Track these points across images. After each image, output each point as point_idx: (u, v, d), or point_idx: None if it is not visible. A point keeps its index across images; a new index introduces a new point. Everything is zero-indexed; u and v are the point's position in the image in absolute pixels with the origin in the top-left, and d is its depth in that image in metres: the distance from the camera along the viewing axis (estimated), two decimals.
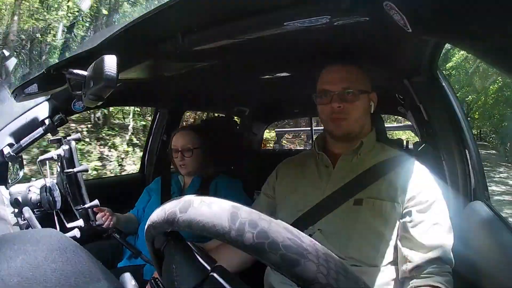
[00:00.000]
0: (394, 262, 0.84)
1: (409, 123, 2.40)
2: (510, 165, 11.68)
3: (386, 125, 1.11)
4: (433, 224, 0.81)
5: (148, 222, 0.39)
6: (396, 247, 0.84)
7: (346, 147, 0.95)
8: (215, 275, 0.38)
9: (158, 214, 0.37)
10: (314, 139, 2.91)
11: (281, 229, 0.31)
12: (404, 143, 1.37)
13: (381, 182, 0.87)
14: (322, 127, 1.02)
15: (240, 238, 0.30)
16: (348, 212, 0.86)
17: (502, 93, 12.86)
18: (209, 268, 0.39)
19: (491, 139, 16.54)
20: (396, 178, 0.87)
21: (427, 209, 0.83)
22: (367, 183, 0.88)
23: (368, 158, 0.93)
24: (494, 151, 15.12)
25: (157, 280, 0.46)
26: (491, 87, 13.11)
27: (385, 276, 0.82)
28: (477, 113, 15.33)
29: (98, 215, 1.24)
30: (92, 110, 5.86)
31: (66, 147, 0.93)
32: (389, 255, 0.83)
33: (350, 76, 0.90)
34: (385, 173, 0.88)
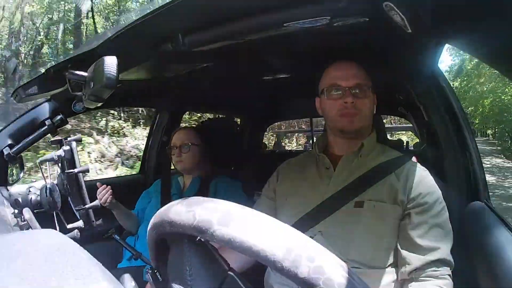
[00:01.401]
0: (395, 264, 0.84)
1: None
2: (500, 155, 16.79)
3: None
4: (432, 226, 0.81)
5: (166, 217, 0.37)
6: (396, 249, 0.84)
7: (347, 148, 0.94)
8: (232, 274, 0.37)
9: (185, 215, 0.34)
10: (314, 140, 2.89)
11: (337, 266, 0.30)
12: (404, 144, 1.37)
13: (382, 184, 0.87)
14: (322, 129, 1.02)
15: (294, 270, 0.29)
16: (349, 214, 0.85)
17: (495, 105, 18.41)
18: (226, 268, 0.38)
19: (507, 139, 20.21)
20: (397, 179, 0.87)
21: (427, 211, 0.82)
22: (368, 185, 0.87)
23: (369, 159, 0.92)
24: (499, 147, 20.29)
25: (155, 271, 0.46)
26: (485, 101, 19.44)
27: (386, 278, 0.82)
28: (477, 119, 22.12)
29: (99, 190, 1.27)
30: None
31: (66, 147, 0.93)
32: (389, 257, 0.83)
33: (361, 73, 0.90)
34: (386, 174, 0.88)
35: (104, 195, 1.27)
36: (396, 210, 0.84)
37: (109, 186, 1.30)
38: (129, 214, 1.45)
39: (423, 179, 0.87)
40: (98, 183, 1.29)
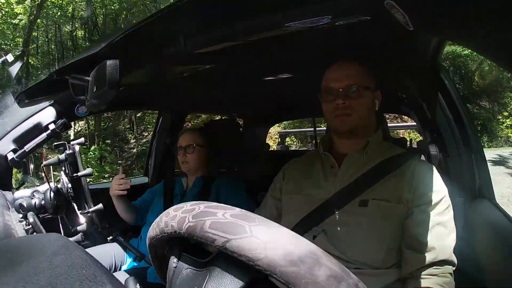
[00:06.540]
0: (398, 264, 0.83)
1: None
2: None
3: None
4: (436, 224, 0.80)
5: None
6: (400, 249, 0.83)
7: (352, 147, 0.93)
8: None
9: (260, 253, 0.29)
10: (317, 140, 2.88)
11: None
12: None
13: (387, 181, 0.86)
14: (325, 128, 1.01)
15: None
16: (353, 213, 0.85)
17: None
18: None
19: None
20: (402, 177, 0.86)
21: (432, 209, 0.82)
22: (372, 182, 0.86)
23: (375, 157, 0.91)
24: None
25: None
26: None
27: (388, 279, 0.81)
28: None
29: (119, 176, 1.36)
30: None
31: (70, 151, 0.94)
32: (392, 258, 0.82)
33: (354, 73, 0.89)
34: (391, 171, 0.87)
35: (123, 182, 1.34)
36: (401, 210, 0.83)
37: (129, 180, 1.37)
38: (129, 205, 1.47)
39: (430, 177, 0.86)
40: (120, 167, 1.41)
